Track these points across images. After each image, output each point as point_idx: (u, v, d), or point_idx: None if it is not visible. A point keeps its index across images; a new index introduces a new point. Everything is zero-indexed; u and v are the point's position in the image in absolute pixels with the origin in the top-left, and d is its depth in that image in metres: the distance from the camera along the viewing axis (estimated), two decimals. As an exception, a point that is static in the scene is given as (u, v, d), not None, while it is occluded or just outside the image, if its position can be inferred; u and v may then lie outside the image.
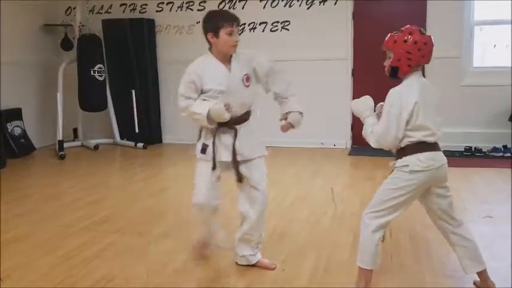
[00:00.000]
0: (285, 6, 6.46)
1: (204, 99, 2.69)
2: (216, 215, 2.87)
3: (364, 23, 6.33)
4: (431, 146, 2.40)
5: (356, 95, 6.39)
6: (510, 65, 5.88)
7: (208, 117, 2.64)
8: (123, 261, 3.03)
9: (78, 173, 5.60)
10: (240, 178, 2.78)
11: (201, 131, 2.83)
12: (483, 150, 5.87)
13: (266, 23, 6.58)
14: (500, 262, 2.84)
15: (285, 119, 2.83)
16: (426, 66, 2.72)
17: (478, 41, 6.18)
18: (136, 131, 6.73)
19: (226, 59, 2.74)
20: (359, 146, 6.44)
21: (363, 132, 2.51)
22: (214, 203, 2.80)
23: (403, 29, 2.41)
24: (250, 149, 2.79)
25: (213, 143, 2.74)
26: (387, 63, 2.44)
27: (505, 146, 5.82)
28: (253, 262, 2.91)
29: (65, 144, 6.41)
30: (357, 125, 6.46)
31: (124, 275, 2.84)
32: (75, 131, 7.19)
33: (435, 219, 2.55)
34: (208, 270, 2.90)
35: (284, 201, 4.25)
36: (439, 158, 2.42)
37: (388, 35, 2.43)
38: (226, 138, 2.75)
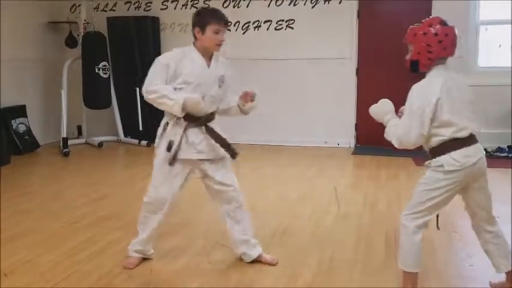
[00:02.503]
0: (289, 4, 6.44)
1: (175, 88, 2.66)
2: (165, 215, 2.90)
3: (369, 22, 6.32)
4: (465, 141, 2.30)
5: (360, 94, 6.45)
6: (510, 65, 5.86)
7: (183, 106, 2.61)
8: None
9: (82, 170, 5.61)
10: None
11: (165, 127, 2.78)
12: (488, 150, 5.85)
13: (271, 21, 6.56)
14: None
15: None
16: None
17: (483, 40, 6.16)
18: (141, 128, 6.73)
19: (207, 55, 2.74)
20: (363, 145, 6.44)
21: (385, 134, 2.43)
22: (167, 202, 2.84)
23: (424, 20, 2.32)
24: (216, 149, 2.78)
25: (181, 139, 2.71)
26: (408, 56, 2.36)
27: (509, 146, 5.81)
28: (255, 256, 2.92)
29: (69, 142, 6.43)
30: (360, 124, 6.47)
31: (128, 272, 2.85)
32: (79, 128, 7.21)
33: (472, 215, 2.48)
34: (210, 269, 2.90)
35: (287, 200, 4.25)
36: (475, 152, 2.33)
37: (409, 28, 2.35)
38: (193, 136, 2.73)
